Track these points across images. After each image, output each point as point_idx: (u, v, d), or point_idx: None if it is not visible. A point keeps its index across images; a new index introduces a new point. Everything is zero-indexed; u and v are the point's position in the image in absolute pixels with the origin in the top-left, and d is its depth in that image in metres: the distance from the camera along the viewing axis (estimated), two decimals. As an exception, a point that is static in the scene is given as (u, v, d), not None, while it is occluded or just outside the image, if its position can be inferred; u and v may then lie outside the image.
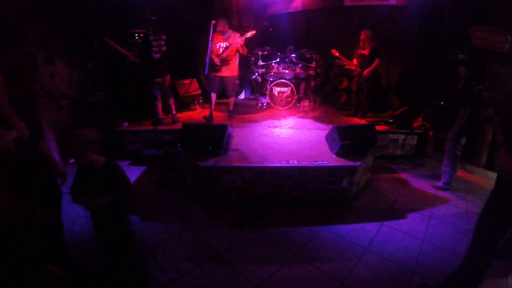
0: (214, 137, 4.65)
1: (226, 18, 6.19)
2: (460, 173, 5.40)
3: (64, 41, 5.42)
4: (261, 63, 7.29)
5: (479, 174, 5.75)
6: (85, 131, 2.36)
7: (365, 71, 6.22)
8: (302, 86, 7.45)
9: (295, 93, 7.07)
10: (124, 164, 5.68)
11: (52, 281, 1.77)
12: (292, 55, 7.36)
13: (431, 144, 6.34)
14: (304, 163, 4.35)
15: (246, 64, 7.63)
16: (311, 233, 3.89)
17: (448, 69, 5.97)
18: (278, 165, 4.32)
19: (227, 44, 6.00)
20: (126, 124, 5.99)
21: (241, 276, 3.17)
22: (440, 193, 4.98)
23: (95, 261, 3.29)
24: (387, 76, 7.36)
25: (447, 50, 6.24)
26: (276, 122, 6.33)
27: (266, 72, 7.27)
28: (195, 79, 7.38)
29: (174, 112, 6.20)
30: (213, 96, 6.24)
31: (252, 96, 8.57)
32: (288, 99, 7.11)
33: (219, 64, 6.01)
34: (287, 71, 7.15)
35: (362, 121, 6.45)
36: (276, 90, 7.08)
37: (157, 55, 5.60)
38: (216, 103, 6.75)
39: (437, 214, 4.39)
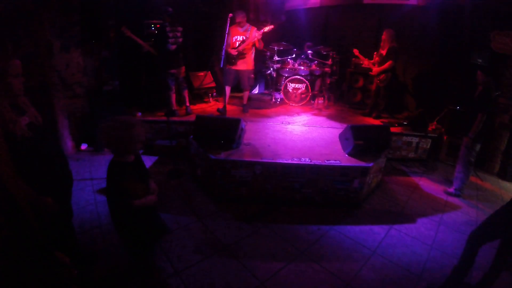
0: (227, 131, 4.65)
1: (244, 11, 6.15)
2: (472, 180, 5.31)
3: (81, 30, 5.45)
4: (277, 58, 7.25)
5: (491, 182, 5.64)
6: (137, 128, 2.33)
7: (374, 70, 6.15)
8: (317, 83, 7.39)
9: (310, 90, 7.02)
10: (135, 154, 5.74)
11: (60, 268, 1.78)
12: (309, 52, 7.30)
13: (445, 148, 6.23)
14: (316, 161, 4.33)
15: (261, 59, 7.59)
16: (319, 232, 3.89)
17: (466, 73, 5.85)
18: (290, 162, 4.31)
19: (244, 38, 5.98)
20: (139, 114, 6.04)
21: (247, 270, 3.19)
22: (451, 199, 4.90)
23: (104, 248, 3.35)
24: (404, 77, 7.24)
25: (466, 54, 6.10)
26: (289, 119, 6.31)
27: (281, 68, 7.23)
28: (209, 71, 7.38)
29: (187, 103, 6.22)
30: (228, 89, 6.23)
31: (266, 91, 8.54)
32: (303, 95, 7.06)
33: (235, 55, 5.99)
34: (302, 68, 7.10)
35: (377, 122, 6.38)
36: (291, 86, 7.04)
37: (173, 46, 5.61)
38: (230, 97, 6.75)
39: (447, 221, 4.33)
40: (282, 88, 7.09)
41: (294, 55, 7.34)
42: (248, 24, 6.05)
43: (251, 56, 6.18)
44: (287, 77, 7.11)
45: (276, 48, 7.24)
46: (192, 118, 5.81)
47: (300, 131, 5.66)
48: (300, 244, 3.64)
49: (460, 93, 6.04)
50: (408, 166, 6.02)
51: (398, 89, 7.22)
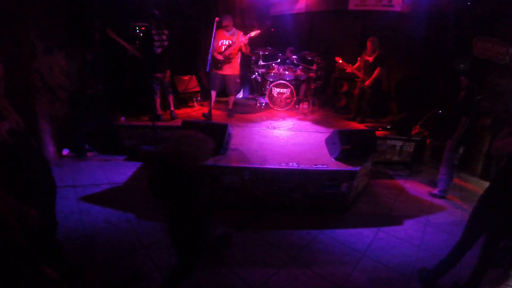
0: (214, 136, 4.51)
1: (230, 15, 6.13)
2: (455, 181, 5.44)
3: (65, 31, 5.30)
4: (262, 63, 7.25)
5: (474, 183, 5.79)
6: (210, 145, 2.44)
7: (367, 82, 6.23)
8: (302, 88, 7.43)
9: (295, 95, 7.04)
10: (119, 160, 5.62)
11: (48, 283, 1.70)
12: (294, 57, 7.34)
13: (428, 151, 6.37)
14: (304, 166, 4.33)
15: (246, 63, 7.57)
16: (309, 236, 3.88)
17: (449, 78, 6.01)
18: (278, 167, 4.30)
19: (230, 42, 5.95)
20: (123, 118, 5.89)
21: (239, 278, 3.14)
22: (436, 201, 5.01)
23: (90, 259, 3.23)
24: (388, 82, 7.38)
25: (449, 59, 6.27)
26: (275, 123, 6.30)
27: (267, 72, 7.24)
28: (194, 75, 7.32)
29: (172, 108, 6.12)
30: (213, 94, 6.19)
31: (251, 96, 8.53)
32: (288, 100, 7.08)
33: (222, 59, 5.96)
34: (287, 72, 7.13)
35: (361, 126, 6.46)
36: (276, 91, 7.05)
37: (159, 50, 5.52)
38: (215, 101, 6.70)
39: (433, 222, 4.41)
40: (267, 92, 7.09)
41: (279, 60, 7.36)
42: (234, 29, 6.03)
43: (237, 60, 6.16)
44: (272, 82, 7.11)
45: (261, 52, 7.25)
46: (177, 123, 5.75)
47: (286, 136, 5.66)
48: (291, 249, 3.62)
49: (442, 98, 6.19)
50: (393, 169, 6.13)
51: (382, 94, 7.34)
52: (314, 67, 7.23)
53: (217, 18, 5.40)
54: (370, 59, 6.19)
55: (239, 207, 4.36)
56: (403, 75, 7.22)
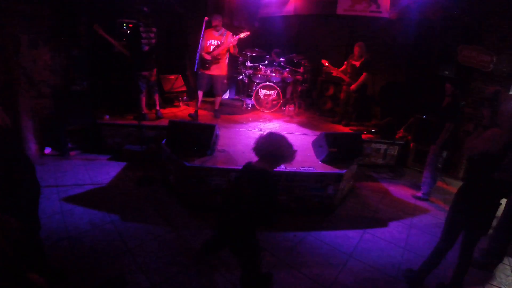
0: (202, 137, 4.55)
1: (220, 15, 6.09)
2: (438, 184, 5.57)
3: (51, 25, 5.13)
4: (249, 64, 7.25)
5: (457, 186, 5.87)
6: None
7: (353, 86, 6.30)
8: (289, 90, 7.47)
9: (281, 97, 7.07)
10: (103, 159, 5.48)
11: None
12: (281, 59, 7.37)
13: (411, 155, 6.50)
14: (291, 169, 4.32)
15: (233, 64, 7.55)
16: (296, 239, 3.88)
17: (433, 84, 6.15)
18: (265, 169, 4.27)
19: (219, 42, 5.91)
20: (107, 117, 5.76)
21: (227, 281, 3.11)
22: (420, 203, 5.11)
23: (74, 261, 3.13)
24: (373, 86, 7.50)
25: (434, 65, 6.43)
26: (262, 125, 6.30)
27: (254, 74, 7.24)
28: (180, 75, 7.23)
29: (158, 107, 6.04)
30: (200, 94, 6.15)
31: (237, 97, 8.50)
32: (274, 102, 7.10)
33: (210, 59, 5.91)
34: (274, 74, 7.15)
35: (346, 129, 6.53)
36: (262, 92, 7.05)
37: (146, 48, 5.43)
38: (201, 101, 6.64)
39: (417, 224, 4.50)
40: (253, 94, 7.09)
41: (266, 62, 7.38)
42: (223, 29, 5.99)
43: (225, 61, 6.13)
44: (258, 83, 7.12)
45: (249, 54, 7.24)
46: (162, 122, 5.67)
47: (273, 137, 5.63)
48: (278, 251, 3.61)
49: (426, 103, 6.33)
50: (378, 172, 6.22)
51: (367, 98, 7.45)
52: (301, 69, 7.29)
53: (206, 18, 5.35)
54: (357, 63, 6.27)
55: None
56: (389, 80, 7.37)
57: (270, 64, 7.35)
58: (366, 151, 6.25)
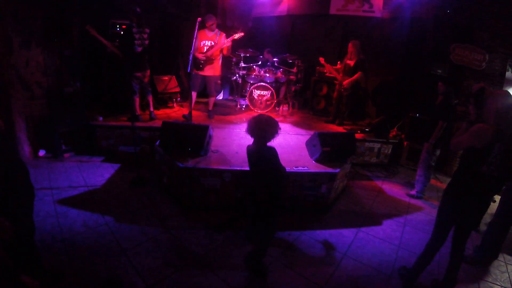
0: (195, 138, 4.55)
1: (213, 15, 6.08)
2: (432, 182, 5.60)
3: (43, 26, 5.09)
4: (243, 65, 7.25)
5: (449, 184, 5.98)
6: None
7: (345, 82, 6.32)
8: (282, 90, 7.48)
9: (275, 97, 7.08)
10: (97, 161, 5.46)
11: None
12: (274, 59, 7.37)
13: (405, 153, 6.55)
14: (285, 168, 4.34)
15: (227, 65, 7.55)
16: (291, 238, 3.90)
17: (426, 82, 6.20)
18: (259, 168, 4.28)
19: (212, 43, 5.91)
20: (101, 118, 5.74)
21: (221, 281, 3.11)
22: (414, 201, 5.15)
23: (69, 263, 3.12)
24: (366, 86, 7.53)
25: (427, 65, 6.48)
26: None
27: (247, 74, 7.24)
28: (174, 76, 7.22)
29: (151, 109, 6.02)
30: (194, 94, 6.13)
31: (230, 97, 8.50)
32: (268, 102, 7.10)
33: (204, 59, 5.90)
34: (268, 75, 7.16)
35: (340, 129, 6.56)
36: (256, 93, 7.05)
37: (139, 48, 5.41)
38: (195, 102, 6.63)
39: (411, 222, 4.53)
40: (247, 94, 7.08)
41: (260, 62, 7.38)
42: (217, 29, 5.98)
43: (218, 62, 6.12)
44: (252, 84, 7.12)
45: (242, 54, 7.24)
46: (156, 123, 5.66)
47: (267, 137, 5.65)
48: (272, 250, 3.61)
49: (419, 102, 6.38)
50: (371, 170, 6.25)
51: (360, 97, 7.49)
52: (295, 69, 7.30)
53: (199, 18, 5.33)
54: (351, 63, 6.28)
55: (219, 209, 4.32)
56: (382, 79, 7.40)
57: (263, 65, 7.36)
58: (360, 150, 6.29)
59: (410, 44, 6.73)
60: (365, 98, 7.67)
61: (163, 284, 2.99)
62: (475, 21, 5.87)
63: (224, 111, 7.13)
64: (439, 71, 6.22)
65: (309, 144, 5.02)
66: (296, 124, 6.68)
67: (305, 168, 4.45)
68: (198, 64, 5.92)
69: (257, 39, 8.25)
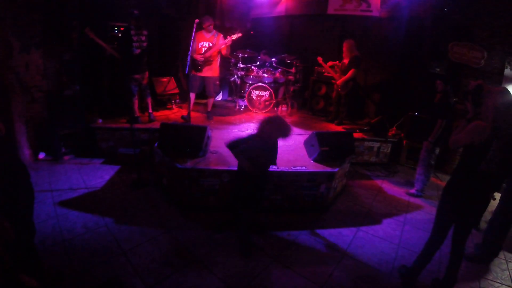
0: (193, 139, 4.56)
1: (211, 16, 6.10)
2: (432, 180, 5.60)
3: (42, 30, 5.11)
4: (241, 66, 7.27)
5: (449, 182, 5.98)
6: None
7: (339, 81, 6.33)
8: (281, 90, 7.49)
9: (274, 97, 7.09)
10: (97, 163, 5.47)
11: None
12: (272, 60, 7.39)
13: (404, 152, 6.55)
14: (283, 168, 4.35)
15: (226, 66, 7.57)
16: (290, 237, 3.90)
17: (425, 81, 6.19)
18: (257, 169, 4.29)
19: (210, 44, 5.92)
20: (100, 120, 5.75)
21: (221, 281, 3.11)
22: (413, 200, 5.15)
23: (69, 265, 3.13)
24: (365, 85, 7.54)
25: (425, 63, 6.48)
26: (254, 126, 6.30)
27: (246, 75, 7.26)
28: (173, 77, 7.23)
29: (150, 110, 6.03)
30: (192, 96, 6.14)
31: (229, 98, 8.52)
32: (267, 103, 7.12)
33: (202, 60, 5.91)
34: (266, 75, 7.17)
35: (339, 128, 6.56)
36: (255, 93, 7.07)
37: (138, 51, 5.43)
38: (194, 103, 6.64)
39: (411, 220, 4.53)
40: (246, 95, 7.10)
41: (258, 63, 7.40)
42: (215, 31, 6.00)
43: (217, 63, 6.14)
44: (251, 85, 7.14)
45: (241, 55, 7.26)
46: (155, 125, 5.67)
47: (266, 138, 5.65)
48: (272, 250, 3.63)
49: (418, 100, 6.38)
50: (371, 170, 6.25)
51: (359, 96, 7.50)
52: (293, 70, 7.32)
53: (197, 20, 5.35)
54: (346, 61, 6.30)
55: (219, 210, 4.33)
56: (381, 78, 7.40)
57: (262, 65, 7.37)
58: (359, 150, 6.29)
59: (408, 43, 6.72)
60: (364, 97, 7.67)
61: (163, 285, 3.00)
62: (473, 19, 5.87)
63: (223, 112, 7.15)
64: (438, 69, 6.22)
65: (307, 143, 5.03)
66: (295, 124, 6.67)
67: (304, 167, 4.45)
68: (197, 66, 5.93)
69: (256, 40, 8.26)
